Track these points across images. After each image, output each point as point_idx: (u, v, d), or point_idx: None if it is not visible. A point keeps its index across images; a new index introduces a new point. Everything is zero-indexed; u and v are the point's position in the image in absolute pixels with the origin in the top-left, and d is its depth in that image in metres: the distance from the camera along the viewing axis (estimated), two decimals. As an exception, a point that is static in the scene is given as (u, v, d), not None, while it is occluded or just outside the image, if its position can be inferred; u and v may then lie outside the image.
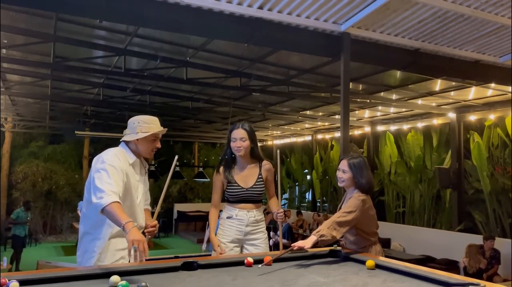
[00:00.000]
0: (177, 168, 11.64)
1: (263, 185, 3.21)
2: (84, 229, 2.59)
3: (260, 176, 3.19)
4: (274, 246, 8.17)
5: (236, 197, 3.14)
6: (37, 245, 11.97)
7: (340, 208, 3.07)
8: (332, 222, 2.72)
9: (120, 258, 2.55)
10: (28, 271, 2.53)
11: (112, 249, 2.53)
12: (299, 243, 2.60)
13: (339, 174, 3.05)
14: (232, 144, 3.10)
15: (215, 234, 3.16)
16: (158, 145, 2.72)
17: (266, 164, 3.25)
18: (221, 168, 3.17)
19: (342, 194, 4.39)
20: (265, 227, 3.27)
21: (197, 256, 2.66)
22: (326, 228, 2.68)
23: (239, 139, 3.08)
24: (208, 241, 7.39)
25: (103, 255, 2.50)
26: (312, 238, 2.62)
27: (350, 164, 3.01)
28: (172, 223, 15.19)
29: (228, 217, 3.16)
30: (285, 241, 8.19)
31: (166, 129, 2.73)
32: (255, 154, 3.18)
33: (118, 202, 2.31)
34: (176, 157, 2.85)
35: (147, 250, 2.19)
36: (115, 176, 2.43)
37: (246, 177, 3.16)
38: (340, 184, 3.10)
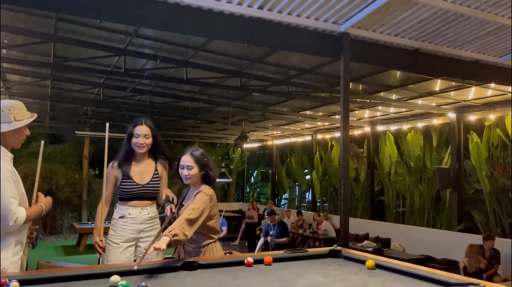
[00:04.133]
0: None
1: (159, 182, 3.14)
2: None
3: (156, 172, 3.13)
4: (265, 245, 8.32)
5: (130, 194, 3.04)
6: (37, 245, 11.97)
7: (182, 205, 2.88)
8: (184, 220, 2.52)
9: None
10: (28, 271, 2.53)
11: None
12: (155, 245, 2.32)
13: (184, 171, 2.79)
14: (134, 140, 3.03)
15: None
16: (28, 132, 2.48)
17: (162, 161, 3.19)
18: (116, 163, 3.07)
19: (342, 193, 4.40)
20: (159, 224, 3.14)
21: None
22: (179, 227, 2.46)
23: (142, 135, 3.03)
24: None
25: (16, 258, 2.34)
26: (165, 239, 2.35)
27: (196, 158, 2.79)
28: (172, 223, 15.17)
29: (120, 217, 3.04)
30: (283, 239, 8.20)
31: (36, 114, 2.50)
32: (158, 152, 3.15)
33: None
34: (42, 142, 2.91)
35: None
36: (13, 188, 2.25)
37: (142, 173, 3.09)
38: (186, 182, 2.85)
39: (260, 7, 4.17)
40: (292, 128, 13.02)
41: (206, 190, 2.75)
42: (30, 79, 7.88)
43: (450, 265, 7.62)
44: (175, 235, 2.38)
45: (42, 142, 2.88)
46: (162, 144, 3.17)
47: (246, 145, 16.38)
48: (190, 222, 2.53)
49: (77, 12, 4.25)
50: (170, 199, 3.04)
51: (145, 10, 3.97)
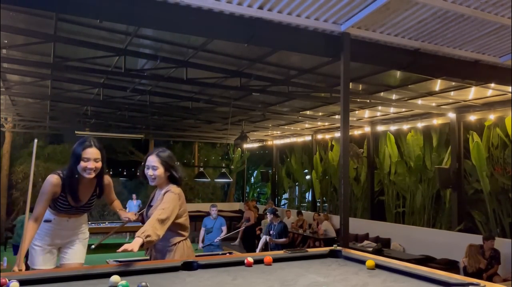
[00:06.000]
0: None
1: (94, 200, 3.03)
2: None
3: (94, 194, 3.00)
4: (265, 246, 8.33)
5: (61, 210, 2.92)
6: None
7: (150, 205, 2.91)
8: (155, 220, 2.54)
9: None
10: (28, 271, 2.53)
11: None
12: (126, 246, 2.29)
13: (149, 172, 2.80)
14: (83, 164, 2.76)
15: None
16: None
17: (105, 179, 3.03)
18: (59, 181, 2.82)
19: (342, 193, 4.40)
20: (86, 228, 3.12)
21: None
22: (151, 228, 2.47)
23: (92, 159, 2.79)
24: (203, 240, 7.51)
25: None
26: (138, 241, 2.36)
27: (161, 159, 2.80)
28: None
29: (46, 221, 2.92)
30: (282, 240, 8.20)
31: None
32: (102, 174, 2.93)
33: None
34: (35, 140, 2.72)
35: None
36: None
37: (81, 195, 2.91)
38: (152, 183, 2.85)
39: (260, 7, 4.17)
40: (292, 128, 13.02)
41: (174, 189, 2.78)
42: (30, 79, 7.88)
43: (450, 265, 7.62)
44: (148, 236, 2.41)
45: (35, 140, 2.73)
46: (105, 167, 2.95)
47: (246, 145, 16.38)
48: (161, 221, 2.56)
49: (77, 12, 4.25)
50: (126, 221, 3.04)
51: (145, 10, 3.98)
